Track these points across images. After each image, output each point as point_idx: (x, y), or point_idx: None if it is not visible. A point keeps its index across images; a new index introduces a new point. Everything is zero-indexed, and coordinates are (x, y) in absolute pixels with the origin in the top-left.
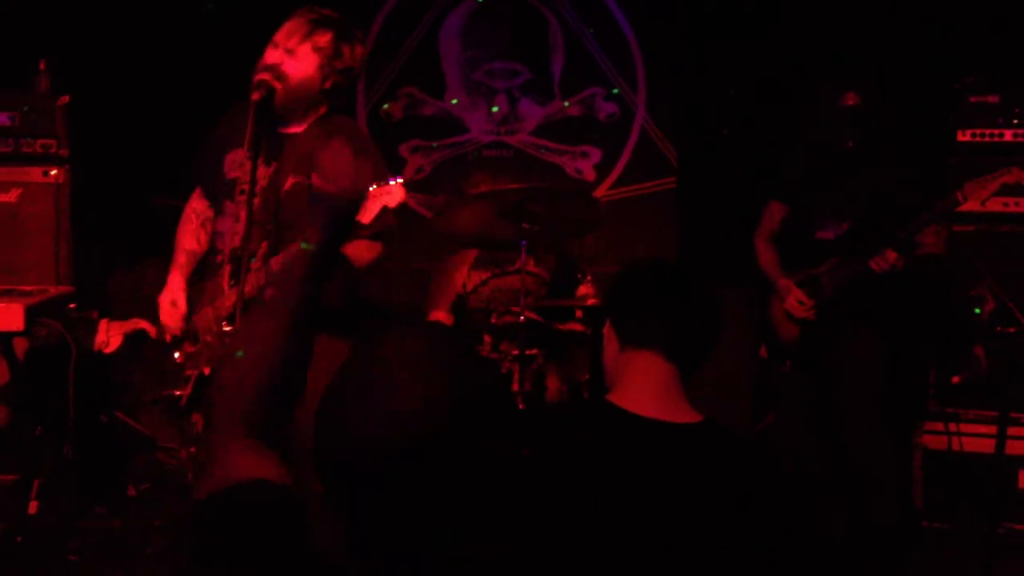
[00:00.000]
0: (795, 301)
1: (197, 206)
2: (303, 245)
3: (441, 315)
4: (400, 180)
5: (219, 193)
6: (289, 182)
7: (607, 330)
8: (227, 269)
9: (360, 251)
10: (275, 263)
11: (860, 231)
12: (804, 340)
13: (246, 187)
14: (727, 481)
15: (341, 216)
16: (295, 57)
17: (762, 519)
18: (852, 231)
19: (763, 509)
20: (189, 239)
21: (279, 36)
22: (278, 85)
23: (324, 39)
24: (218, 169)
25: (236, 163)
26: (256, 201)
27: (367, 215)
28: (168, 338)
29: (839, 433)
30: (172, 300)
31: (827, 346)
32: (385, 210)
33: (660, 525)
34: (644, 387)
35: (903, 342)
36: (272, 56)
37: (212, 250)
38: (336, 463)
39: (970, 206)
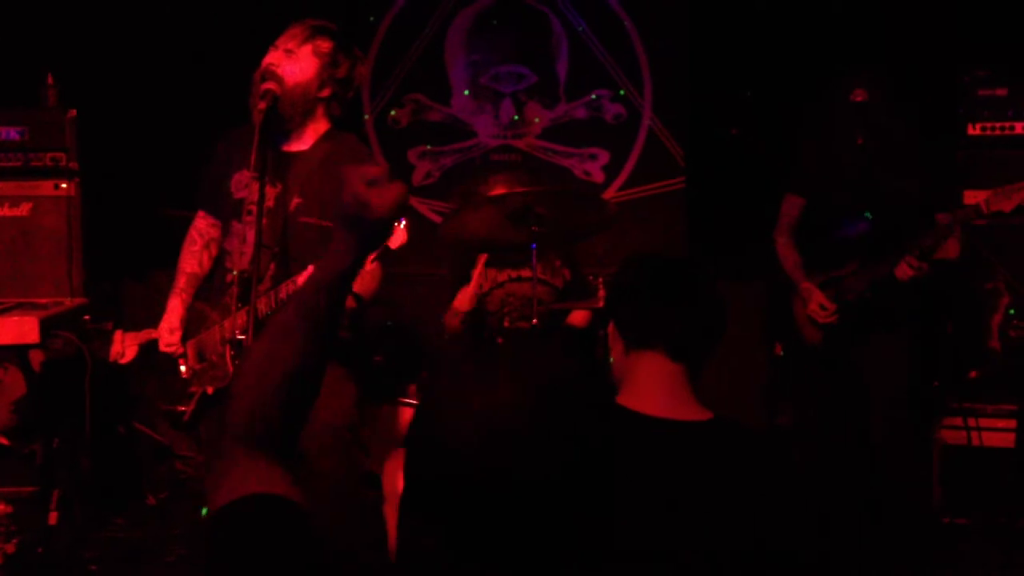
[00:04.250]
0: (817, 307)
1: (201, 226)
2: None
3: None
4: (404, 223)
5: (226, 213)
6: (295, 203)
7: (611, 331)
8: (235, 290)
9: (367, 283)
10: (285, 286)
11: (879, 232)
12: (828, 341)
13: (253, 208)
14: (738, 478)
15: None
16: (294, 58)
17: (773, 515)
18: (871, 232)
19: (774, 505)
20: (191, 262)
21: (280, 39)
22: (278, 89)
23: (326, 46)
24: (224, 190)
25: (242, 184)
26: (263, 222)
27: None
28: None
29: (863, 430)
30: (170, 328)
31: (852, 346)
32: (386, 250)
33: (672, 524)
34: (651, 387)
35: (924, 339)
36: (271, 57)
37: (220, 269)
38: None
39: (980, 198)
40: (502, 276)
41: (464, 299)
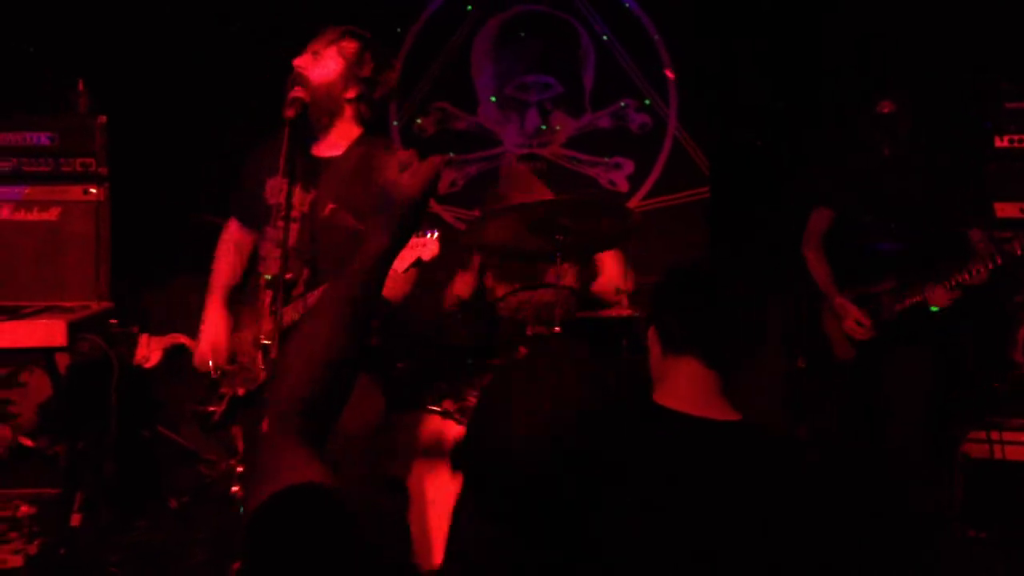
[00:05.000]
0: (853, 323)
1: (234, 235)
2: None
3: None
4: (437, 234)
5: (261, 219)
6: (328, 208)
7: (651, 334)
8: (267, 295)
9: (398, 287)
10: (313, 294)
11: (914, 248)
12: (861, 356)
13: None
14: (769, 477)
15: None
16: (319, 59)
17: (803, 515)
18: (905, 247)
19: (803, 506)
20: (226, 272)
21: (311, 43)
22: (306, 96)
23: (351, 47)
24: (259, 196)
25: (276, 189)
26: (295, 228)
27: (402, 263)
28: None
29: (883, 438)
30: (213, 347)
31: (881, 361)
32: (419, 261)
33: (704, 520)
34: (686, 389)
35: (947, 351)
36: (300, 60)
37: (255, 273)
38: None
39: (1009, 211)
40: (515, 285)
41: (463, 286)
